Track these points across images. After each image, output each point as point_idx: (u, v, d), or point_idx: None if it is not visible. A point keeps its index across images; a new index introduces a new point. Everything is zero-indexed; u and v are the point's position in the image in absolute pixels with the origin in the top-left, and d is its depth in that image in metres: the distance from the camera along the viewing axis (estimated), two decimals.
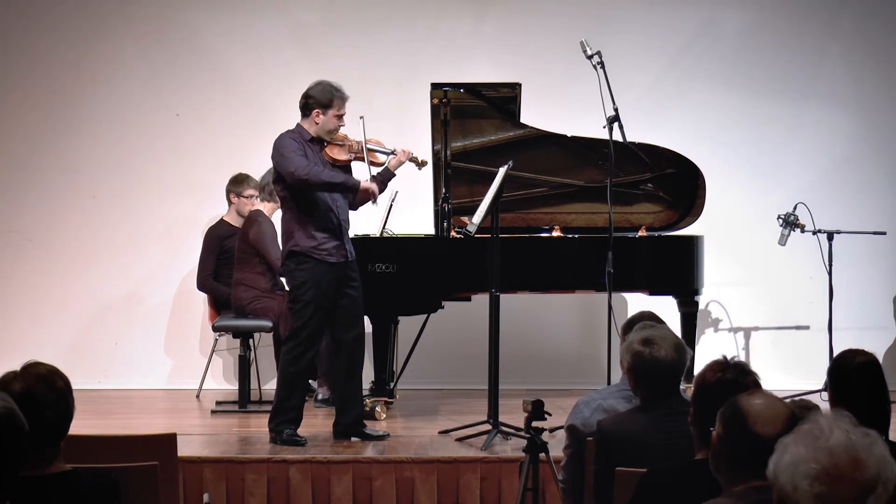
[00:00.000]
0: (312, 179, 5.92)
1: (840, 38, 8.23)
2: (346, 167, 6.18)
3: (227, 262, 7.44)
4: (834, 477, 2.05)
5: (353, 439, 6.08)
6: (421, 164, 6.38)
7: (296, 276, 6.02)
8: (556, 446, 4.65)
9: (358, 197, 6.18)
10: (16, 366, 2.99)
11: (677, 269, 6.99)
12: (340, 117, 6.09)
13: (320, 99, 6.05)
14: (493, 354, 6.08)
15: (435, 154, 6.94)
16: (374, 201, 6.13)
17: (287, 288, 6.32)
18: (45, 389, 2.90)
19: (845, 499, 2.04)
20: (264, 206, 7.30)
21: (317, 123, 6.07)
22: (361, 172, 6.24)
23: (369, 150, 6.16)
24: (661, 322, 4.15)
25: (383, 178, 6.23)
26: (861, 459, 2.05)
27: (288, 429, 5.98)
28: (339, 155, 6.12)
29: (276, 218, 7.25)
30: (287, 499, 5.60)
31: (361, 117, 6.09)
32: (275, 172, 6.13)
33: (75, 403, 2.98)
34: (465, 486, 5.62)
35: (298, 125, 6.12)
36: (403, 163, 6.25)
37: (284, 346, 6.14)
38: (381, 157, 6.22)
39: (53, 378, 2.94)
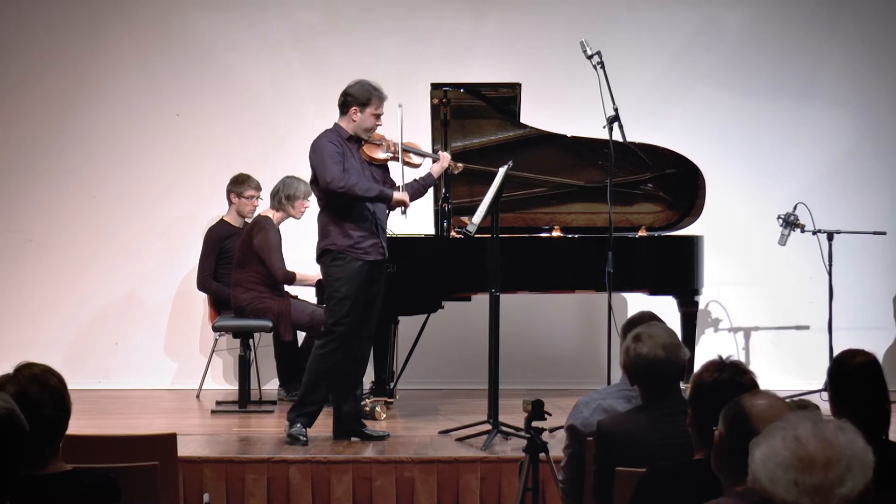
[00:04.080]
0: (347, 192, 5.92)
1: (840, 38, 8.22)
2: (382, 166, 6.18)
3: (227, 263, 7.44)
4: (806, 461, 2.06)
5: (353, 439, 6.08)
6: (455, 169, 6.39)
7: (331, 272, 6.02)
8: (556, 446, 4.65)
9: (391, 205, 6.18)
10: (15, 366, 2.99)
11: (677, 269, 6.99)
12: (378, 116, 6.08)
13: (359, 97, 6.05)
14: (493, 354, 6.07)
15: (435, 154, 6.93)
16: (404, 212, 6.13)
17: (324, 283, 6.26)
18: (39, 389, 2.89)
19: (822, 482, 2.05)
20: (272, 214, 7.28)
21: (354, 121, 6.06)
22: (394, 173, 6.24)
23: (406, 150, 6.16)
24: (661, 322, 4.14)
25: (424, 184, 6.25)
26: (830, 441, 2.07)
27: (299, 424, 5.98)
28: (377, 153, 6.12)
29: (284, 227, 7.26)
30: (287, 499, 5.59)
31: (400, 105, 6.08)
32: (311, 172, 6.09)
33: (73, 403, 2.97)
34: (465, 486, 5.62)
35: (336, 124, 6.11)
36: (445, 168, 6.27)
37: (318, 340, 6.12)
38: (417, 159, 6.23)
39: (47, 377, 2.93)
